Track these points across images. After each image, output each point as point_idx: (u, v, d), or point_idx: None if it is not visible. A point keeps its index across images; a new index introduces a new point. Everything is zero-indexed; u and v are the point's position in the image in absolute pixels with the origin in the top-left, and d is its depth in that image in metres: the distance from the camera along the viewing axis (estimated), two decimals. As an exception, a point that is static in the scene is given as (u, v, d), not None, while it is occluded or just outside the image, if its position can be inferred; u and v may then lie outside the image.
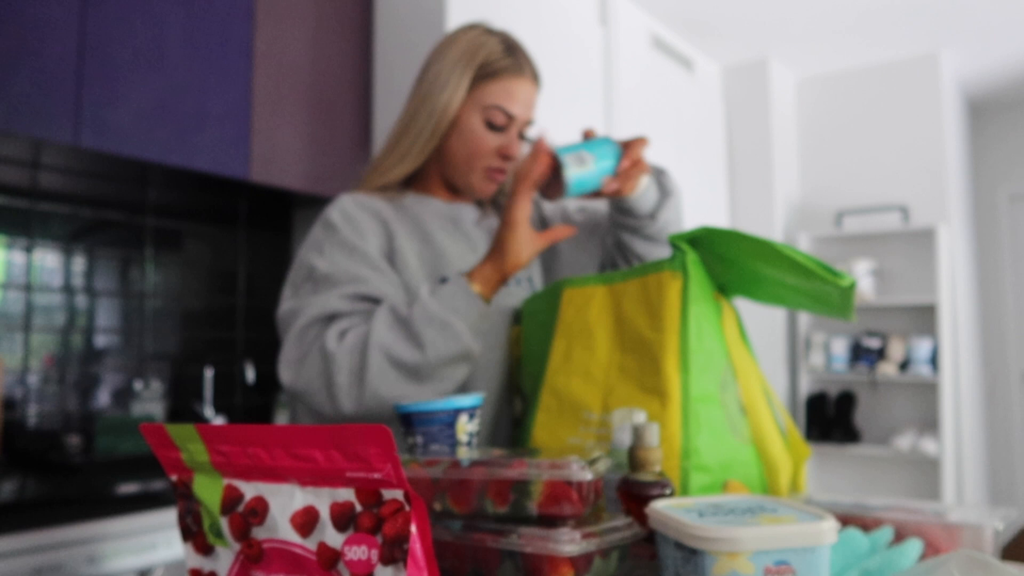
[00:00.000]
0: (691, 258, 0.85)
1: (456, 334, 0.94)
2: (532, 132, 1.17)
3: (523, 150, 1.16)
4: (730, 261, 0.87)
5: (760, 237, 0.79)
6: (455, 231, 1.15)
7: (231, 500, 0.52)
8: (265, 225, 2.62)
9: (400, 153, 1.13)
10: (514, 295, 1.13)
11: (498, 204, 1.25)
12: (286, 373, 0.99)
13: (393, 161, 1.14)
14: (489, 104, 1.11)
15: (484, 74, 1.11)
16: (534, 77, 1.14)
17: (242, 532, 0.51)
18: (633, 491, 0.66)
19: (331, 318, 0.99)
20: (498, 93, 1.11)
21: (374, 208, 1.11)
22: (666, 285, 0.84)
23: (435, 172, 1.17)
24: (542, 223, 1.25)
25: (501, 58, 1.11)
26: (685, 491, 0.78)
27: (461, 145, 1.12)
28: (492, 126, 1.11)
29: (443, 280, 0.99)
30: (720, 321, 0.88)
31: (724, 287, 0.92)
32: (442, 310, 0.94)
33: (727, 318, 0.90)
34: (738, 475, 0.82)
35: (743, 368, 0.90)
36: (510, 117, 1.11)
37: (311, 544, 0.48)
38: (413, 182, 1.19)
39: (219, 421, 2.29)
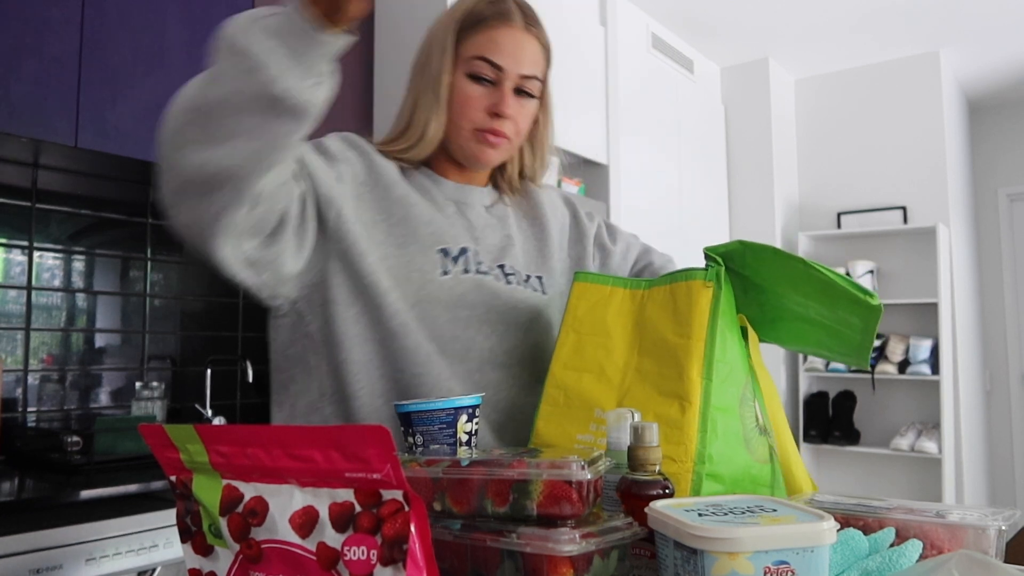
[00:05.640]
0: (724, 272, 0.86)
1: (254, 64, 0.70)
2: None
3: (527, 109, 1.05)
4: (757, 288, 0.87)
5: (791, 253, 0.81)
6: (457, 212, 1.07)
7: (230, 500, 0.52)
8: (265, 225, 2.61)
9: (413, 136, 1.05)
10: (522, 293, 1.06)
11: (518, 189, 1.16)
12: None
13: (405, 145, 1.06)
14: (471, 56, 1.00)
15: (466, 27, 1.01)
16: (528, 25, 1.02)
17: (241, 533, 0.51)
18: (633, 491, 0.66)
19: None
20: (480, 43, 1.00)
21: (377, 163, 1.05)
22: (697, 292, 0.84)
23: (440, 151, 1.08)
24: (576, 227, 1.19)
25: (484, 7, 1.01)
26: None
27: (453, 108, 1.02)
28: (477, 78, 1.00)
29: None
30: (745, 340, 0.89)
31: (749, 321, 0.93)
32: (245, 33, 0.71)
33: (751, 341, 0.91)
34: (748, 492, 0.82)
35: (767, 391, 0.91)
36: (497, 69, 1.00)
37: (310, 544, 0.48)
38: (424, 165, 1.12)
39: (219, 421, 2.29)
